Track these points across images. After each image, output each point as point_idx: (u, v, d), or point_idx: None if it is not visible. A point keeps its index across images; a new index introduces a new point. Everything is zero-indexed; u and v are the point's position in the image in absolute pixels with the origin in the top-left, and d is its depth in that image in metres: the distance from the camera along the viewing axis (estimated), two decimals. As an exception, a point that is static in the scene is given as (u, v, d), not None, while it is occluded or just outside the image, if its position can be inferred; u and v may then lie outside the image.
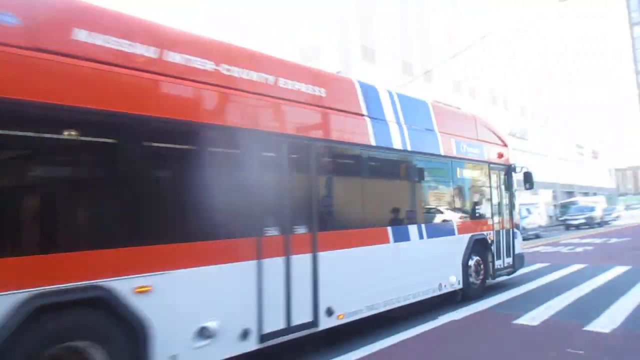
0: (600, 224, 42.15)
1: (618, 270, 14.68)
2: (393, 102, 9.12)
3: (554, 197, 58.35)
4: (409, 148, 9.11)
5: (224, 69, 6.25)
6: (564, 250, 21.70)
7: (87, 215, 4.99)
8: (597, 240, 25.90)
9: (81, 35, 4.99)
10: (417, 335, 8.09)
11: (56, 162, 4.83)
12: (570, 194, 62.62)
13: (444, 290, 9.97)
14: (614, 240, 26.01)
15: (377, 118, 8.57)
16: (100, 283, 4.85)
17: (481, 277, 11.11)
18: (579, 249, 21.60)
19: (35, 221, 4.62)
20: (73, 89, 4.82)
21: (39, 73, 4.62)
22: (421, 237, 9.20)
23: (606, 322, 8.54)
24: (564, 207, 48.77)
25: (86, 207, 4.97)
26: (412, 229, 9.03)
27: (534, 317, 9.06)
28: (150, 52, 5.50)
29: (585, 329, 8.22)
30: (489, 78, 54.16)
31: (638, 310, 9.47)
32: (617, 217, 52.24)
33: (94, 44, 5.05)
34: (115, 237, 4.99)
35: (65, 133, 4.83)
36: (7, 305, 4.30)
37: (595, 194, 66.91)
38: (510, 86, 58.07)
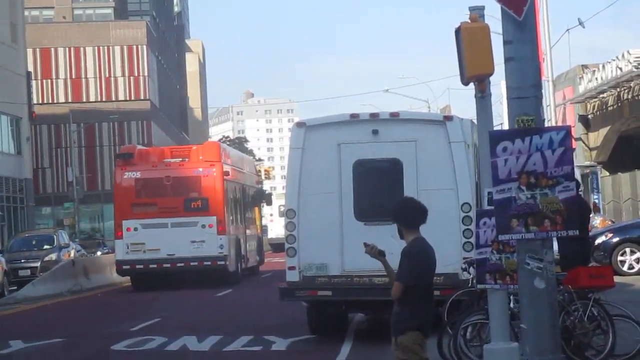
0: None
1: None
2: (240, 157, 30.38)
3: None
4: (242, 181, 26.47)
5: (239, 160, 27.55)
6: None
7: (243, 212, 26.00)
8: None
9: (228, 158, 24.16)
10: None
11: (238, 199, 24.97)
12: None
13: None
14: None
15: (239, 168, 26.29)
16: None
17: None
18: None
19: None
20: (232, 174, 24.06)
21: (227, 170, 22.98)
22: None
23: None
24: None
25: (243, 210, 25.80)
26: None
27: None
28: (234, 161, 25.40)
29: None
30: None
31: None
32: None
33: (231, 160, 24.61)
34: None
35: (238, 187, 25.24)
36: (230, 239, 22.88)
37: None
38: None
